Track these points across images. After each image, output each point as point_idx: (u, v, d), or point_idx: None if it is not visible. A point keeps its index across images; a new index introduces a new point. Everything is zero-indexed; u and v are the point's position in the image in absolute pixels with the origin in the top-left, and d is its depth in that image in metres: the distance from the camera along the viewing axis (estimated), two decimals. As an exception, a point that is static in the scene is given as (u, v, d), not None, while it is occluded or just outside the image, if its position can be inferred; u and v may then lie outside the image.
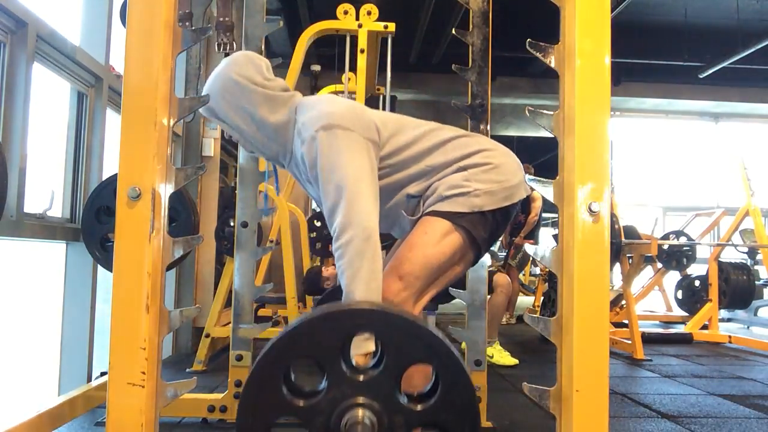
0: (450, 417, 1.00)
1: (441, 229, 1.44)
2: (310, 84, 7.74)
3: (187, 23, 1.23)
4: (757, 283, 5.67)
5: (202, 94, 1.49)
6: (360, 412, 0.97)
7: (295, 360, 1.01)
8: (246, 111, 1.49)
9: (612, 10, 5.36)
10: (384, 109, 3.75)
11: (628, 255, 4.34)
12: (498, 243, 5.84)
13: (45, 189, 2.56)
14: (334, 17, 3.17)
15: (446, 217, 1.44)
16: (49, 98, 2.67)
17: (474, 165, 1.49)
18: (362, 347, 1.19)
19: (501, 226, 1.53)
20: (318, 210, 5.04)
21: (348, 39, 3.21)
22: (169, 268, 1.20)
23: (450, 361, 1.00)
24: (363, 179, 1.37)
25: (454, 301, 3.01)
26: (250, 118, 1.50)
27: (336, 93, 4.37)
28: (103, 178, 2.76)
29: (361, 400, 0.98)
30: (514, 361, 3.77)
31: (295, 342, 1.01)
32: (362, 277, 1.28)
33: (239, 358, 2.22)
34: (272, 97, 1.50)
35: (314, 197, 1.61)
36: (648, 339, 4.67)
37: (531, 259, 6.28)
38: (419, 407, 1.00)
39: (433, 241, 1.43)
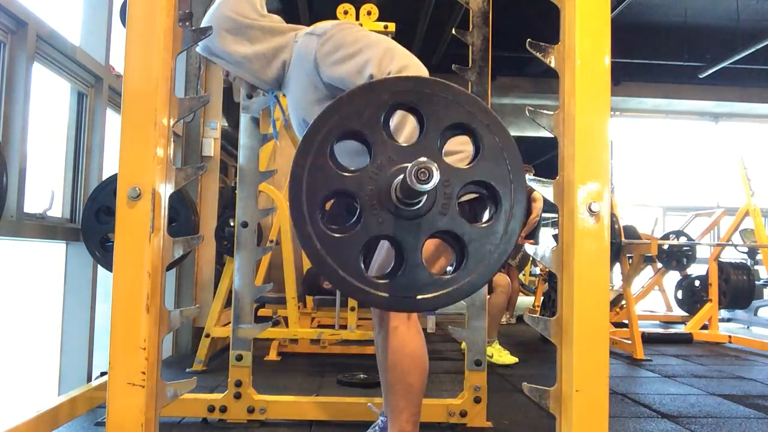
0: (491, 174, 1.01)
1: None
2: (310, 84, 7.71)
3: (187, 23, 1.23)
4: (757, 283, 5.67)
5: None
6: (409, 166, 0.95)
7: (339, 134, 1.00)
8: (243, 41, 1.61)
9: (612, 10, 5.37)
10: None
11: (628, 255, 4.34)
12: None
13: (45, 189, 2.56)
14: (334, 17, 3.16)
15: None
16: (49, 98, 2.67)
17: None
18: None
19: None
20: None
21: (348, 39, 3.20)
22: (169, 268, 1.20)
23: (490, 121, 1.01)
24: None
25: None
26: (248, 45, 1.62)
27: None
28: (103, 178, 2.76)
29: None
30: (513, 359, 3.77)
31: (336, 115, 1.00)
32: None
33: (239, 358, 2.22)
34: (268, 28, 1.64)
35: (303, 120, 1.64)
36: (648, 339, 4.68)
37: (531, 259, 6.28)
38: (464, 166, 1.02)
39: None
